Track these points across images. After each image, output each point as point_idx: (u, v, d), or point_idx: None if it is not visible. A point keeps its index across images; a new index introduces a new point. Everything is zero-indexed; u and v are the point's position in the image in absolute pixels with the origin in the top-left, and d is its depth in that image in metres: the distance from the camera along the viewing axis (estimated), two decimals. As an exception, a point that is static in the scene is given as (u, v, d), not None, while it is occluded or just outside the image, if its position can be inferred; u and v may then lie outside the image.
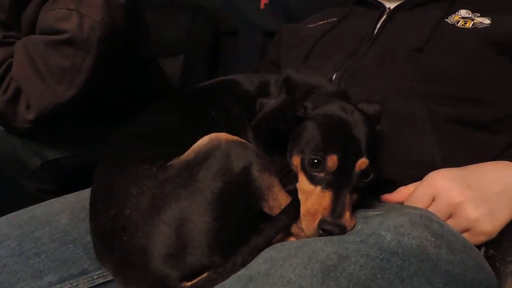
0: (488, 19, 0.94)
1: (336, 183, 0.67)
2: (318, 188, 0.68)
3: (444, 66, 0.89)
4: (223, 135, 0.71)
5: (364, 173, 0.69)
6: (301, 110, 0.72)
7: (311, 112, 0.72)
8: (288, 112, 0.72)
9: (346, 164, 0.67)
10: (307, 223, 0.66)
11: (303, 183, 0.70)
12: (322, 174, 0.68)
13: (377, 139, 0.73)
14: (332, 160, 0.67)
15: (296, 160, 0.72)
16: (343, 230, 0.64)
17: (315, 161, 0.68)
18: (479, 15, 0.95)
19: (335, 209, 0.65)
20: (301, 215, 0.68)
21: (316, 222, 0.65)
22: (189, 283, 0.64)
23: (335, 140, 0.69)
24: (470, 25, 0.93)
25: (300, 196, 0.70)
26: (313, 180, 0.68)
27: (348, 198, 0.67)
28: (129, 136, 0.81)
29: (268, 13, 1.69)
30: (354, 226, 0.66)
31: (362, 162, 0.68)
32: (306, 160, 0.69)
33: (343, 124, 0.69)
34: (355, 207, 0.71)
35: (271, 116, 0.73)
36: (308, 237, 0.66)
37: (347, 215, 0.65)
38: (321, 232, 0.64)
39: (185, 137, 0.73)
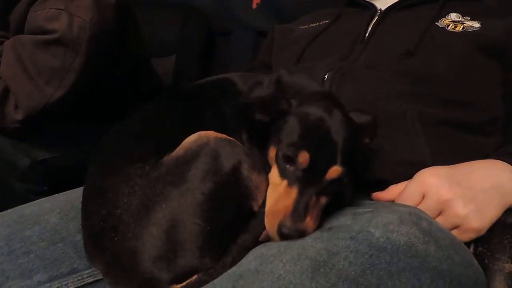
0: (478, 22, 0.95)
1: (303, 181, 0.66)
2: (285, 182, 0.67)
3: (434, 69, 0.90)
4: (212, 133, 0.71)
5: (336, 179, 0.68)
6: (285, 105, 0.72)
7: (295, 108, 0.72)
8: (272, 104, 0.72)
9: (317, 165, 0.66)
10: (269, 223, 0.65)
11: (273, 175, 0.70)
12: (291, 169, 0.67)
13: (357, 147, 0.72)
14: (303, 156, 0.66)
15: (272, 152, 0.71)
16: (301, 235, 0.63)
17: (287, 154, 0.67)
18: (469, 18, 0.96)
19: (296, 210, 0.64)
20: (266, 213, 0.67)
21: (277, 225, 0.64)
22: (179, 286, 0.64)
23: (311, 138, 0.68)
24: (460, 29, 0.94)
25: (269, 189, 0.70)
26: (282, 174, 0.68)
27: (313, 199, 0.66)
28: (122, 135, 0.81)
29: (260, 13, 1.69)
30: (316, 229, 0.65)
31: (335, 170, 0.67)
32: (280, 153, 0.69)
33: (322, 124, 0.69)
34: (344, 206, 0.71)
35: (256, 103, 0.72)
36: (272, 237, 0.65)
37: (308, 217, 0.64)
38: (280, 235, 0.64)
39: (179, 136, 0.72)
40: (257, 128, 0.75)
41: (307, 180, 0.66)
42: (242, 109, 0.74)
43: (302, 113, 0.70)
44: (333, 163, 0.67)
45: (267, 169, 0.72)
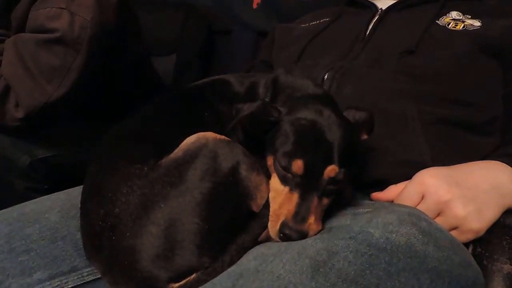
0: (479, 21, 0.95)
1: (304, 186, 0.67)
2: (287, 188, 0.68)
3: (434, 68, 0.90)
4: (210, 134, 0.71)
5: (334, 179, 0.68)
6: (275, 115, 0.72)
7: (285, 116, 0.72)
8: (262, 117, 0.72)
9: (314, 168, 0.67)
10: (271, 224, 0.67)
11: (274, 182, 0.70)
12: (290, 176, 0.68)
13: (354, 145, 0.72)
14: (296, 165, 0.67)
15: (270, 160, 0.72)
16: (303, 236, 0.64)
17: (283, 163, 0.68)
18: (470, 17, 0.96)
19: (299, 213, 0.65)
20: (269, 216, 0.68)
21: (278, 225, 0.65)
22: (177, 285, 0.64)
23: (304, 144, 0.68)
24: (461, 27, 0.94)
25: (270, 195, 0.70)
26: (283, 181, 0.69)
27: (315, 202, 0.67)
28: (121, 136, 0.81)
29: (261, 13, 1.69)
30: (319, 231, 0.66)
31: (331, 170, 0.67)
32: (277, 161, 0.69)
33: (315, 128, 0.69)
34: (343, 205, 0.71)
35: (245, 121, 0.73)
36: (273, 238, 0.66)
37: (311, 219, 0.65)
38: (281, 235, 0.64)
39: (178, 137, 0.73)
40: (253, 140, 0.76)
41: (306, 185, 0.67)
42: (231, 131, 0.75)
43: (293, 119, 0.71)
44: (329, 163, 0.67)
45: (267, 174, 0.73)
